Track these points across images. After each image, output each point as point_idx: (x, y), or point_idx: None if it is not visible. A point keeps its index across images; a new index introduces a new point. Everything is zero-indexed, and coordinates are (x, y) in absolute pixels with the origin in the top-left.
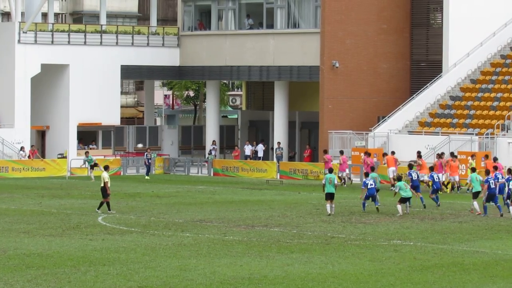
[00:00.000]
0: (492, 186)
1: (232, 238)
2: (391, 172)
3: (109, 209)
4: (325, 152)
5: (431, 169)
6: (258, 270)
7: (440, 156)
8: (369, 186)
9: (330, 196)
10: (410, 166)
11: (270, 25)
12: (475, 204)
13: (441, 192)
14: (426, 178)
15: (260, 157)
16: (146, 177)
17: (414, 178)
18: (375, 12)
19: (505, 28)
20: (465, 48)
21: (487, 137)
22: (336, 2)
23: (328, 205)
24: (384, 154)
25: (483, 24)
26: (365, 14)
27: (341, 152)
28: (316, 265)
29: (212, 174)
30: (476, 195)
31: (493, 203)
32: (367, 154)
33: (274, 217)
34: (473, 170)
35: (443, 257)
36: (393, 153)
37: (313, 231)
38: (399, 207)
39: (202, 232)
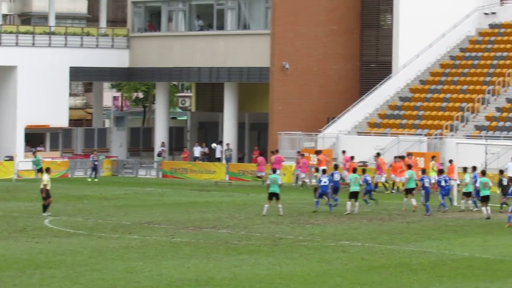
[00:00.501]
0: (427, 185)
1: (180, 240)
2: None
3: (44, 211)
4: (273, 152)
5: (363, 171)
6: (206, 272)
7: (378, 155)
8: (322, 184)
9: (273, 196)
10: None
11: (221, 27)
12: (405, 199)
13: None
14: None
15: (218, 158)
16: (90, 179)
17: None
18: (325, 13)
19: (454, 29)
20: (414, 49)
21: (436, 138)
22: (286, 4)
23: (266, 205)
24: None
25: (433, 25)
26: (315, 15)
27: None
28: (263, 266)
29: (160, 176)
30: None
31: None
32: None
33: (222, 219)
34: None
35: (391, 257)
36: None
37: (261, 233)
38: (348, 203)
39: (149, 234)
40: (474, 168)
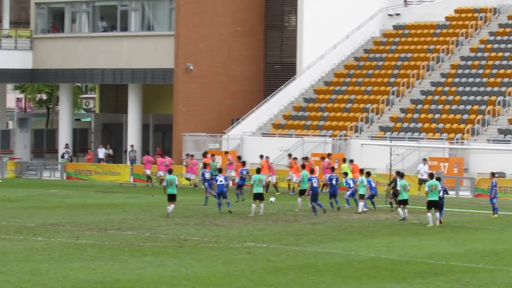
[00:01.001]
0: (315, 185)
1: (85, 242)
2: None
3: None
4: (189, 156)
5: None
6: (111, 274)
7: (261, 157)
8: (218, 183)
9: (258, 196)
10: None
11: (124, 28)
12: (299, 200)
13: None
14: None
15: (101, 159)
16: None
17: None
18: (229, 15)
19: (358, 31)
20: (319, 50)
21: (341, 139)
22: (190, 5)
23: (254, 205)
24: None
25: (337, 26)
26: (219, 16)
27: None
28: (169, 268)
29: (65, 178)
30: (302, 192)
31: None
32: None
33: (127, 220)
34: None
35: (296, 258)
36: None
37: (166, 234)
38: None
39: (54, 236)
40: (368, 174)
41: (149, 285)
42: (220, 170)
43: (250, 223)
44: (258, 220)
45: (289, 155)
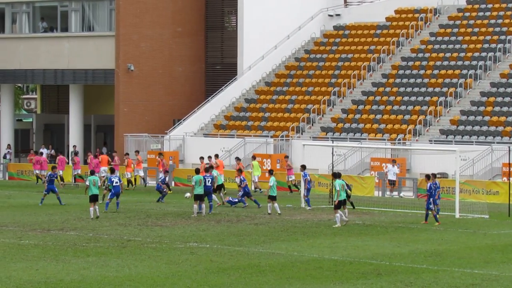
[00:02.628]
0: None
1: (28, 242)
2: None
3: None
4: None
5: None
6: (54, 274)
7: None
8: (114, 184)
9: (198, 197)
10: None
11: (65, 28)
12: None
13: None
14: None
15: None
16: None
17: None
18: (170, 15)
19: (299, 31)
20: (260, 51)
21: (282, 139)
22: (130, 6)
23: (195, 206)
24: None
25: (278, 27)
26: (160, 17)
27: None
28: (112, 268)
29: (7, 178)
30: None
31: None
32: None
33: (70, 221)
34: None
35: (239, 259)
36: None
37: (109, 235)
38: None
39: None
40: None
41: (92, 285)
42: (112, 170)
43: (193, 223)
44: (200, 221)
45: (237, 158)
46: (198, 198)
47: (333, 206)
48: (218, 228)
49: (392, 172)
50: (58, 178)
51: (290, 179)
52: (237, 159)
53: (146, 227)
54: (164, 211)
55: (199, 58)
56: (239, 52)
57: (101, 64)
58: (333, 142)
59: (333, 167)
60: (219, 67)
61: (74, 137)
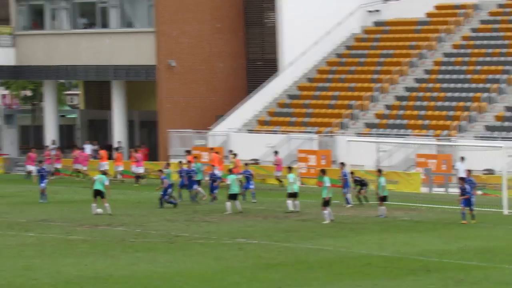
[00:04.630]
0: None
1: (76, 238)
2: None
3: None
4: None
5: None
6: (103, 269)
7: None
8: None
9: (233, 197)
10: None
11: (105, 25)
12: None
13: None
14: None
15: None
16: None
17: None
18: (209, 11)
19: (339, 27)
20: (300, 47)
21: (327, 136)
22: (169, 2)
23: (228, 203)
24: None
25: (317, 23)
26: (199, 13)
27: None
28: (161, 264)
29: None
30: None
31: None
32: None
33: (117, 216)
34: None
35: (288, 255)
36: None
37: (157, 230)
38: (227, 203)
39: (46, 232)
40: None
41: (141, 281)
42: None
43: (240, 219)
44: (247, 217)
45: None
46: (232, 197)
47: (377, 202)
48: (266, 224)
49: (461, 169)
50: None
51: (278, 175)
52: (232, 153)
53: (193, 222)
54: (211, 207)
55: (239, 54)
56: (279, 48)
57: (142, 60)
58: (377, 138)
59: (379, 164)
60: (260, 63)
61: (118, 133)
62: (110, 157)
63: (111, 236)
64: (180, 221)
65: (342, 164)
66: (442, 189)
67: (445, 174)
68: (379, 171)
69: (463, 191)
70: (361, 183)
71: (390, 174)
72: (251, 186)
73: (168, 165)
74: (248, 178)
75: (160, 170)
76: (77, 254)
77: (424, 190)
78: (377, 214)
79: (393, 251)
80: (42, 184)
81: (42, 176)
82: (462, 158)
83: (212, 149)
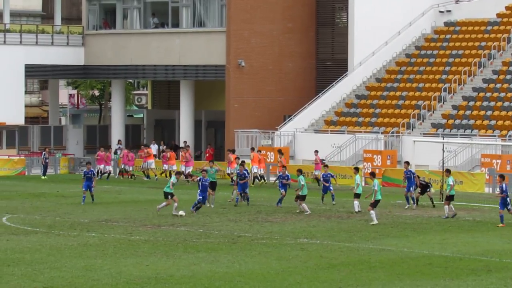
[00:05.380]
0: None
1: (138, 238)
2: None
3: None
4: (231, 151)
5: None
6: (165, 270)
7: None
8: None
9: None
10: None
11: (176, 24)
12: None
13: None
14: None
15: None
16: (43, 177)
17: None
18: (281, 11)
19: (410, 27)
20: (370, 47)
21: (393, 136)
22: (241, 1)
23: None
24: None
25: (388, 23)
26: (270, 13)
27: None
28: (223, 264)
29: (117, 174)
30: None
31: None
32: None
33: (181, 217)
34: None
35: (350, 255)
36: (259, 151)
37: (220, 230)
38: (304, 206)
39: (108, 232)
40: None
41: (203, 281)
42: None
43: (303, 219)
44: (311, 217)
45: (316, 151)
46: (302, 198)
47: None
48: (328, 224)
49: None
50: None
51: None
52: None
53: (256, 223)
54: (274, 207)
55: (309, 54)
56: (349, 48)
57: (212, 59)
58: (443, 139)
59: (443, 164)
60: (329, 63)
61: (185, 133)
62: (177, 157)
63: (174, 236)
64: (244, 221)
65: (407, 163)
66: None
67: (509, 174)
68: (448, 171)
69: (501, 190)
70: (427, 185)
71: (454, 174)
72: (331, 188)
73: (212, 162)
74: (328, 180)
75: (204, 170)
76: (139, 254)
77: (487, 190)
78: (444, 214)
79: (455, 251)
80: (84, 187)
81: (88, 178)
82: None
83: (279, 150)
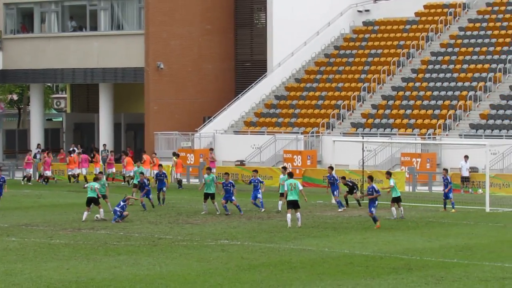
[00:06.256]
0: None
1: (59, 242)
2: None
3: None
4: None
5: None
6: (85, 273)
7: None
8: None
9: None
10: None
11: (94, 27)
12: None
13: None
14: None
15: None
16: None
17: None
18: (199, 13)
19: (328, 27)
20: (289, 48)
21: (313, 136)
22: (159, 4)
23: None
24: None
25: (307, 23)
26: (189, 15)
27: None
28: (143, 266)
29: (37, 178)
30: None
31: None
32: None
33: (100, 220)
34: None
35: (271, 256)
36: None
37: (140, 233)
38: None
39: (28, 236)
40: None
41: (123, 284)
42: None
43: (224, 221)
44: (231, 218)
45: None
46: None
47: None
48: (249, 225)
49: (465, 168)
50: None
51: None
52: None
53: (177, 225)
54: (195, 208)
55: (228, 55)
56: (268, 49)
57: (130, 62)
58: (363, 138)
59: (363, 163)
60: (248, 64)
61: (104, 136)
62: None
63: (94, 240)
64: (164, 223)
65: (331, 168)
66: (425, 188)
67: (429, 172)
68: (389, 173)
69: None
70: (353, 186)
71: (374, 173)
72: (259, 195)
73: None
74: (256, 186)
75: (226, 173)
76: (59, 258)
77: (408, 189)
78: (393, 216)
79: (375, 250)
80: None
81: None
82: (466, 157)
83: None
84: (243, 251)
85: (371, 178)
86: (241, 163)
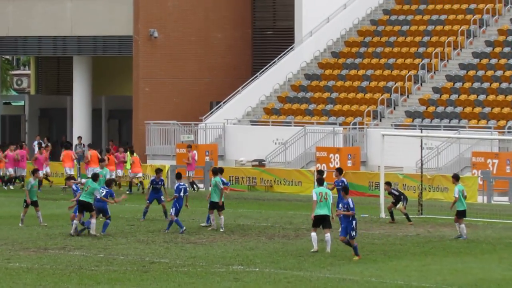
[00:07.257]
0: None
1: (19, 266)
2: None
3: None
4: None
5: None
6: None
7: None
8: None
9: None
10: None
11: None
12: None
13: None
14: None
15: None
16: None
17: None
18: None
19: None
20: (324, 12)
21: (355, 128)
22: None
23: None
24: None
25: None
26: None
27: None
28: None
29: None
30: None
31: None
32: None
33: (74, 237)
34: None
35: (299, 287)
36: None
37: (126, 255)
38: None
39: None
40: None
41: None
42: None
43: (237, 240)
44: (247, 237)
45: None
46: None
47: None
48: (271, 246)
49: None
50: None
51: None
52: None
53: (175, 244)
54: (198, 224)
55: (244, 21)
56: (296, 13)
57: (114, 30)
58: (421, 132)
59: (422, 165)
60: (270, 33)
61: (80, 126)
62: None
63: (66, 263)
64: (158, 242)
65: (338, 171)
66: (505, 198)
67: (510, 178)
68: (456, 177)
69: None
70: (399, 196)
71: (437, 178)
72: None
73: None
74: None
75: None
76: (20, 287)
77: (481, 199)
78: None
79: (439, 281)
80: None
81: None
82: None
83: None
84: (262, 281)
85: (340, 170)
86: (260, 163)
